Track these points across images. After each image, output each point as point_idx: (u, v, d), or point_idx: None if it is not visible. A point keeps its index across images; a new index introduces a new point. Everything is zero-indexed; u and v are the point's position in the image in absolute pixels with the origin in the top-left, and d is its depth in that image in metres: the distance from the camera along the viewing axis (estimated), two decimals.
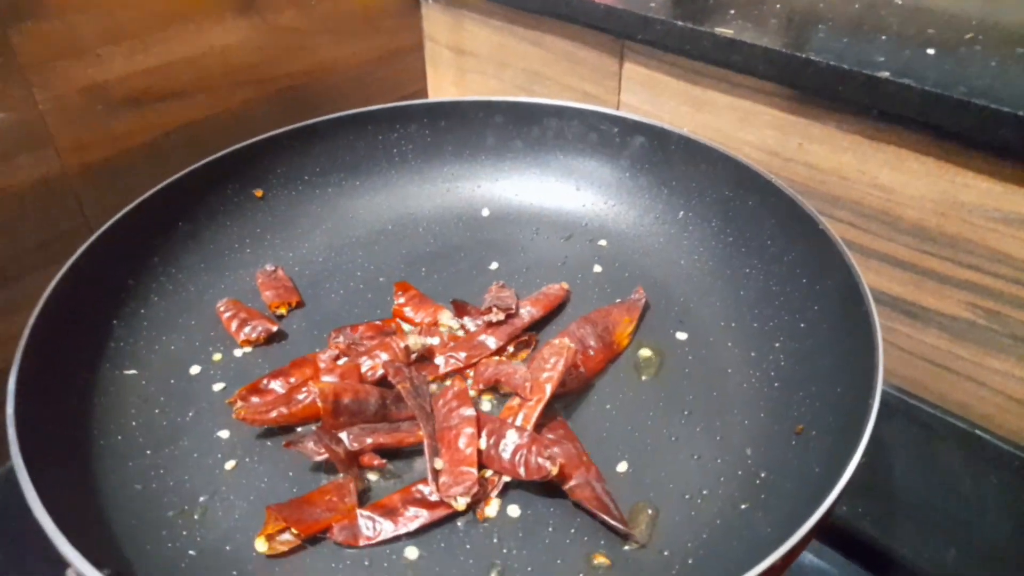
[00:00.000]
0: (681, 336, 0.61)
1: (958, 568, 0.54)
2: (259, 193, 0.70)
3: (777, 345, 0.57)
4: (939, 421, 0.62)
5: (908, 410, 0.64)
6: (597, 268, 0.68)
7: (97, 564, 0.38)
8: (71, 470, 0.48)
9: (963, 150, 0.55)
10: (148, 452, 0.52)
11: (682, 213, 0.69)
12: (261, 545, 0.47)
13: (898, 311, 0.64)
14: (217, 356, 0.60)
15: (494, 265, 0.69)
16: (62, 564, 0.39)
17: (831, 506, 0.41)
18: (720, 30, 0.63)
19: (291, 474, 0.51)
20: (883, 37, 0.61)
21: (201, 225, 0.67)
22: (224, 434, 0.54)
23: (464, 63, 0.90)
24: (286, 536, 0.47)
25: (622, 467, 0.51)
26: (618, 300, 0.63)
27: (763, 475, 0.50)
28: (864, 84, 0.56)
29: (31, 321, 0.51)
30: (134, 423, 0.54)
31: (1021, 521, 0.55)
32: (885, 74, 0.55)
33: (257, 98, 0.79)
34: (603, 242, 0.70)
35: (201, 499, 0.50)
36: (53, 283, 0.54)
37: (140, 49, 0.69)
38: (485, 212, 0.74)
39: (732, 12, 0.66)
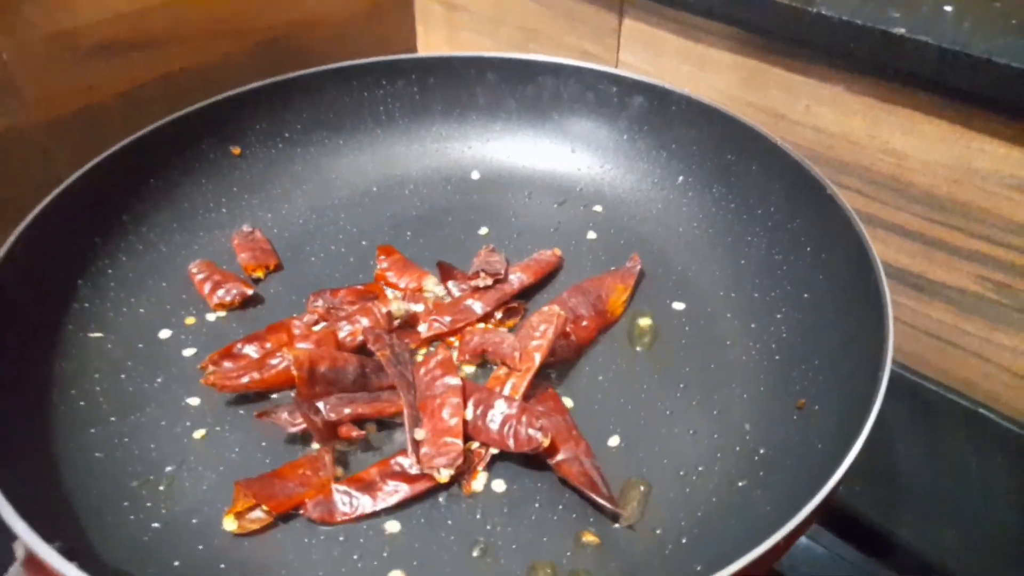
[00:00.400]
0: (678, 306, 0.58)
1: (960, 552, 0.52)
2: (236, 151, 0.67)
3: (779, 316, 0.55)
4: (942, 399, 0.60)
5: (911, 387, 0.61)
6: (591, 235, 0.64)
7: (48, 537, 0.35)
8: (27, 437, 0.45)
9: (980, 113, 0.52)
10: (112, 419, 0.49)
11: (681, 178, 0.66)
12: (230, 524, 0.44)
13: (904, 283, 0.61)
14: (189, 320, 0.57)
15: (483, 230, 0.66)
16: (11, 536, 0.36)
17: (836, 486, 0.38)
18: None
19: (264, 445, 0.49)
20: None
21: (174, 182, 0.63)
22: (194, 401, 0.51)
23: (456, 19, 0.86)
24: (257, 514, 0.44)
25: (614, 441, 0.49)
26: (613, 268, 0.60)
27: (762, 451, 0.48)
28: (879, 41, 0.52)
29: None
30: (98, 388, 0.51)
31: None
32: (901, 31, 0.52)
33: (237, 51, 0.75)
34: (598, 207, 0.67)
35: (167, 469, 0.47)
36: (12, 238, 0.51)
37: None
38: (475, 175, 0.71)
39: None
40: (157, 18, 0.68)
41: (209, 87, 0.67)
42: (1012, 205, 0.53)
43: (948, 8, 0.55)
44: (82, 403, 0.50)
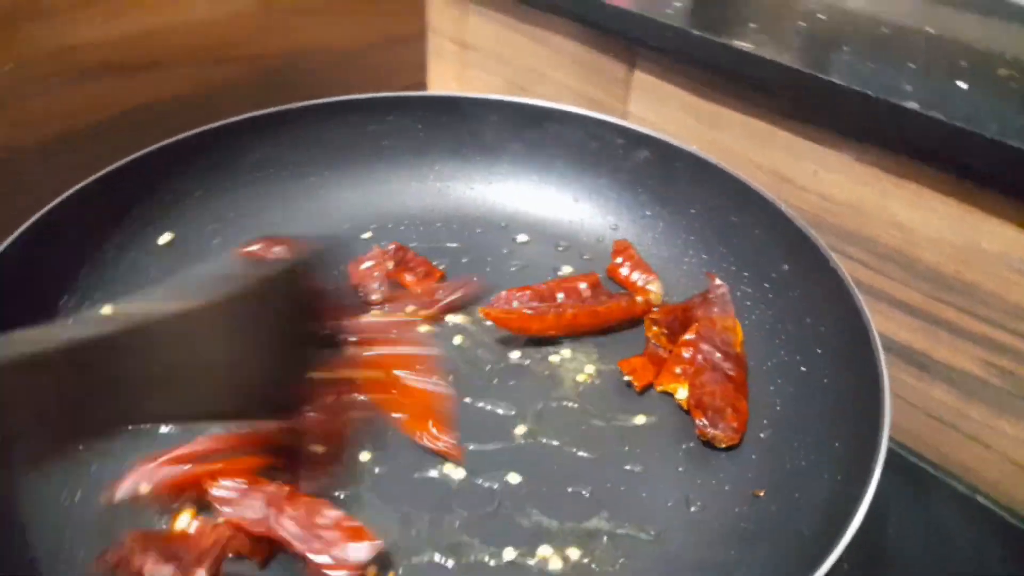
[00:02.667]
0: None
1: None
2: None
3: (772, 388, 0.53)
4: (940, 482, 0.58)
5: (906, 467, 0.59)
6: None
7: None
8: None
9: (990, 194, 0.51)
10: None
11: (683, 235, 0.65)
12: None
13: (906, 361, 0.60)
14: None
15: (483, 269, 0.64)
16: None
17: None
18: (738, 43, 0.58)
19: None
20: (911, 65, 0.56)
21: (163, 209, 0.63)
22: None
23: (467, 57, 0.86)
24: None
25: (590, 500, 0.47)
26: (695, 294, 0.59)
27: (743, 526, 0.46)
28: (889, 113, 0.51)
29: None
30: None
31: None
32: (913, 105, 0.50)
33: (240, 76, 0.74)
34: (596, 258, 0.66)
35: None
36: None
37: (116, 14, 0.64)
38: (475, 215, 0.70)
39: (753, 26, 0.62)
40: (161, 41, 0.68)
41: (211, 112, 0.66)
42: (1021, 290, 0.52)
43: (962, 84, 0.54)
44: None
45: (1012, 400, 0.55)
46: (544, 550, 0.44)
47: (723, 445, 0.49)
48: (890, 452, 0.59)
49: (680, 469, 0.49)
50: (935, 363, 0.58)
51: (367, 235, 0.67)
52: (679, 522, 0.46)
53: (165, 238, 0.62)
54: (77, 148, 0.66)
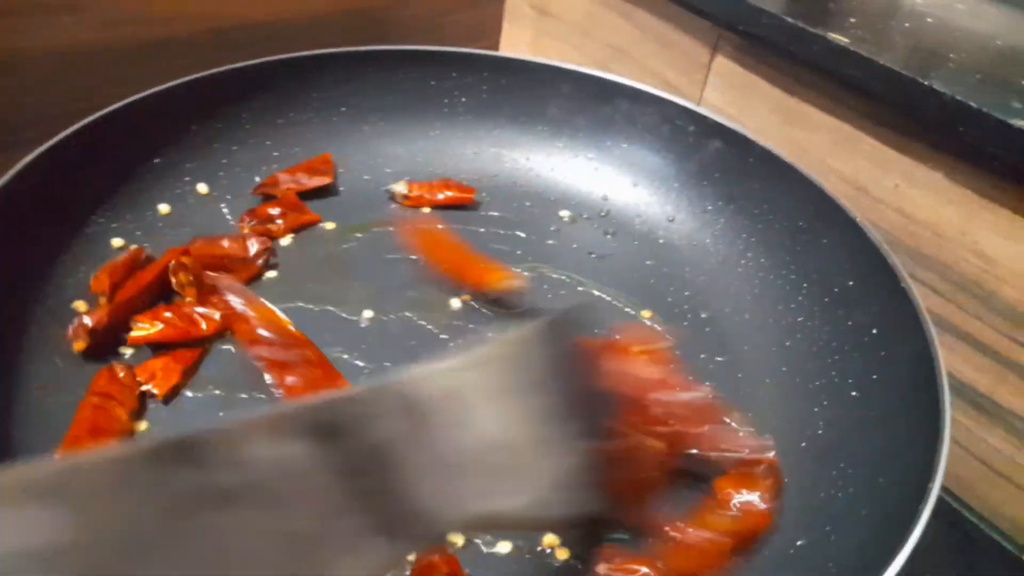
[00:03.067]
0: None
1: None
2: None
3: (817, 410, 0.49)
4: (984, 535, 0.54)
5: (950, 513, 0.55)
6: (632, 273, 0.60)
7: None
8: None
9: None
10: None
11: (744, 235, 0.61)
12: None
13: (965, 400, 0.55)
14: None
15: (521, 236, 0.62)
16: None
17: None
18: (834, 35, 0.54)
19: None
20: (1023, 83, 0.52)
21: (216, 131, 0.62)
22: None
23: (544, 25, 0.82)
24: None
25: None
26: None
27: (764, 553, 0.42)
28: (992, 129, 0.47)
29: None
30: None
31: None
32: (1020, 123, 0.46)
33: (323, 13, 0.73)
34: (649, 248, 0.62)
35: None
36: (29, 158, 0.49)
37: None
38: (525, 187, 0.67)
39: (852, 20, 0.58)
40: None
41: (288, 44, 0.64)
42: None
43: None
44: None
45: None
46: None
47: None
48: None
49: None
50: (997, 407, 0.53)
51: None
52: None
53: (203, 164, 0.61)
54: (146, 58, 0.65)
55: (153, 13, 0.64)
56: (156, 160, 0.58)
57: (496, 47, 0.88)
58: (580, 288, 0.58)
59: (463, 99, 0.69)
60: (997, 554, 0.53)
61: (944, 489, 0.55)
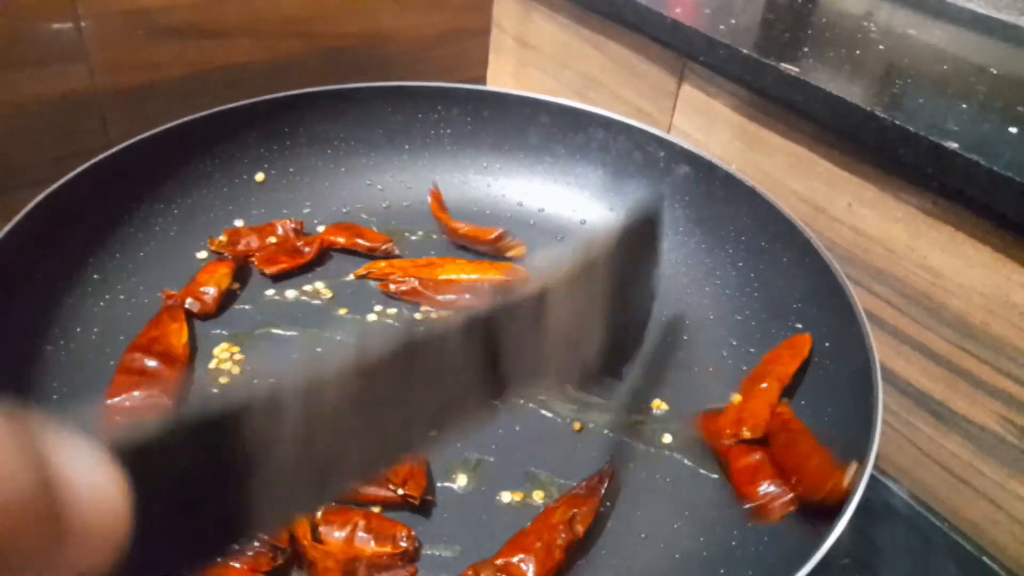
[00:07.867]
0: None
1: None
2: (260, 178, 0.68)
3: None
4: (946, 538, 0.56)
5: (912, 517, 0.57)
6: None
7: None
8: None
9: None
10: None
11: (713, 257, 0.64)
12: None
13: (924, 408, 0.58)
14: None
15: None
16: None
17: None
18: (785, 66, 0.57)
19: None
20: (964, 105, 0.55)
21: (211, 170, 0.66)
22: None
23: (526, 56, 0.86)
24: None
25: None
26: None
27: (722, 571, 0.45)
28: (927, 151, 0.50)
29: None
30: None
31: None
32: (953, 145, 0.49)
33: (305, 53, 0.77)
34: None
35: None
36: (41, 196, 0.54)
37: None
38: (509, 212, 0.70)
39: (806, 49, 0.61)
40: (231, 10, 0.70)
41: (272, 84, 0.68)
42: None
43: (1013, 130, 0.52)
44: None
45: None
46: None
47: None
48: (899, 501, 0.58)
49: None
50: (952, 414, 0.56)
51: None
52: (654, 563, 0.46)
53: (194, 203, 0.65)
54: (142, 102, 0.69)
55: (136, 61, 0.68)
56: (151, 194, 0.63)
57: (484, 77, 0.92)
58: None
59: (448, 130, 0.73)
60: (957, 555, 0.55)
61: (909, 494, 0.58)
